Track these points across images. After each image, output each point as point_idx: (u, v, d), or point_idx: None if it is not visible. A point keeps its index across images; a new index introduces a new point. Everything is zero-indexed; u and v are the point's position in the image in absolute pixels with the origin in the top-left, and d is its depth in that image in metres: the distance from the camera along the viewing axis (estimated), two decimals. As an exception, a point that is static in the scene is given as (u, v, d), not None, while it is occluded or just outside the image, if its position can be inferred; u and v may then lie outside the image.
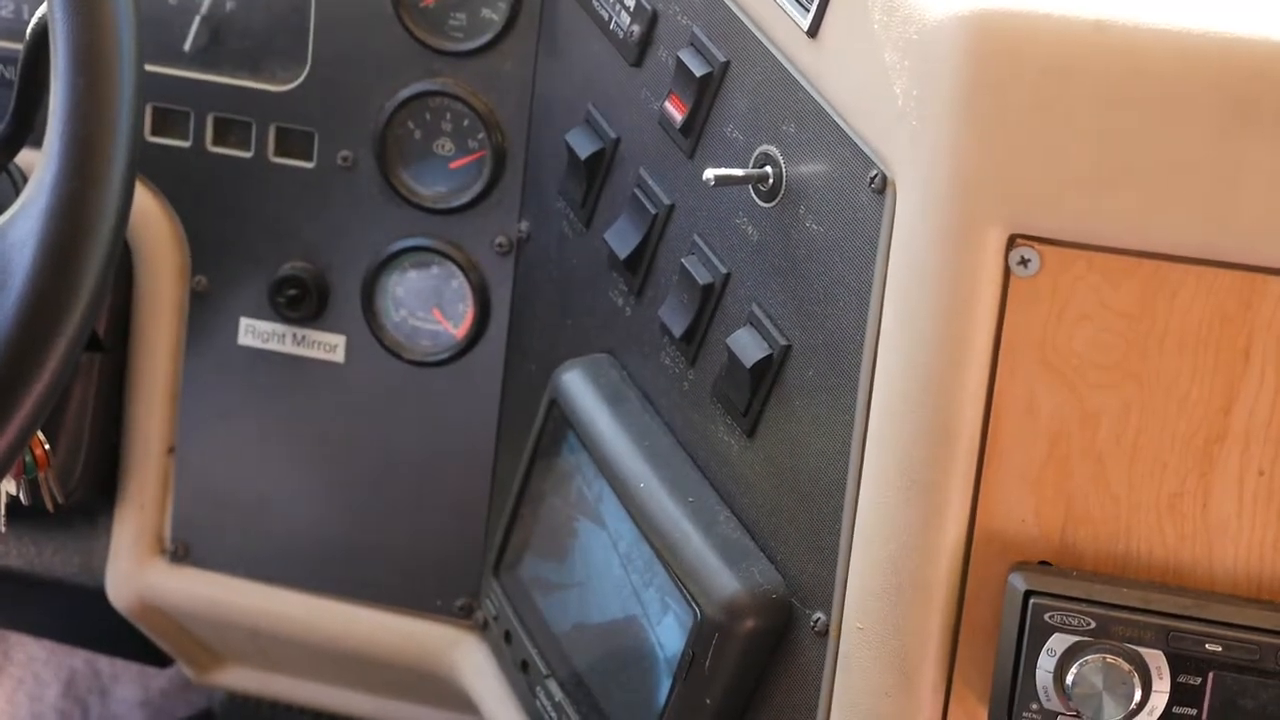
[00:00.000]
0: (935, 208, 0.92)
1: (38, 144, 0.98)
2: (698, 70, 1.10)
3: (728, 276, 1.08)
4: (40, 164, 0.95)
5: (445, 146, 1.34)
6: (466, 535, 1.36)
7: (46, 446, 1.10)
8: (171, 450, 1.42)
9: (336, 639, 1.42)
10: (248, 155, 1.36)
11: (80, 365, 1.38)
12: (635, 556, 1.11)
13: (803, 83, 1.02)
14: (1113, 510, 0.93)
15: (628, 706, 1.10)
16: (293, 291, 1.36)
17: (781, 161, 1.03)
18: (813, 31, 1.01)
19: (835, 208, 0.99)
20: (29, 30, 1.07)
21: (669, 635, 1.07)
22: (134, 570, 1.44)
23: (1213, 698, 0.91)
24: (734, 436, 1.07)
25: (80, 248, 0.93)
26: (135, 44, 0.95)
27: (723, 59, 1.08)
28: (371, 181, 1.34)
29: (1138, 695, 0.91)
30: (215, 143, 1.36)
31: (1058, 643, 0.92)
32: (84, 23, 0.94)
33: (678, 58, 1.11)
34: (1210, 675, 0.91)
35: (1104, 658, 0.91)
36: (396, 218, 1.35)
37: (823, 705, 1.00)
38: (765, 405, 1.04)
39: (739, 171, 1.04)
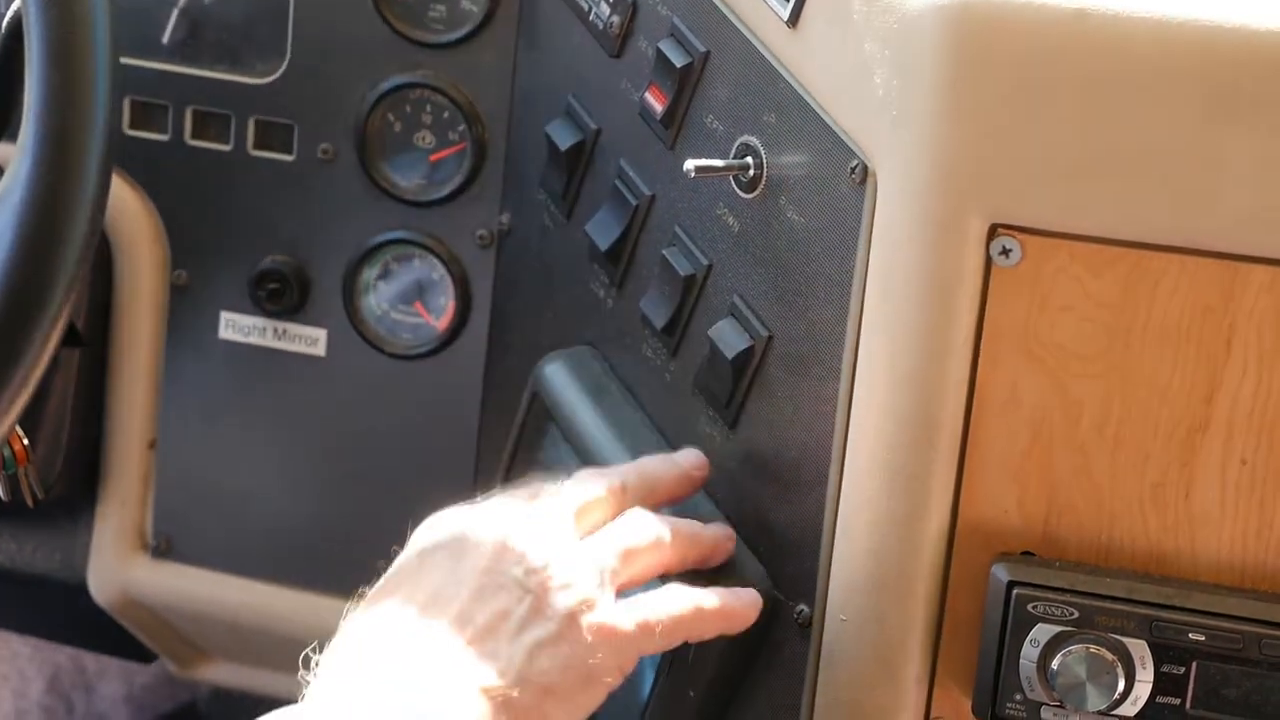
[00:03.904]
0: (916, 198, 0.92)
1: (13, 138, 0.97)
2: (678, 61, 1.09)
3: (709, 268, 1.08)
4: (15, 158, 0.95)
5: (426, 139, 1.33)
6: (449, 529, 1.36)
7: (26, 442, 1.10)
8: (153, 445, 1.41)
9: (320, 633, 1.42)
10: (227, 148, 1.35)
11: (60, 360, 1.37)
12: (618, 549, 1.11)
13: (783, 73, 1.01)
14: (1095, 500, 0.93)
15: (611, 701, 1.10)
16: (273, 285, 1.36)
17: (762, 152, 1.03)
18: (793, 21, 1.00)
19: (816, 198, 0.98)
20: (3, 23, 1.07)
21: (652, 628, 1.07)
22: (116, 565, 1.43)
23: (1196, 687, 0.91)
24: (716, 428, 1.07)
25: (56, 241, 0.93)
26: (111, 37, 0.95)
27: (703, 49, 1.08)
28: (352, 174, 1.34)
29: (1121, 685, 0.91)
30: (194, 136, 1.36)
31: (1041, 633, 0.92)
32: (59, 16, 0.94)
33: (658, 48, 1.11)
34: (1194, 664, 0.91)
35: (1087, 648, 0.91)
36: (377, 211, 1.34)
37: (806, 697, 1.00)
38: (747, 397, 1.04)
39: (720, 162, 1.04)
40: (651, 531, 0.97)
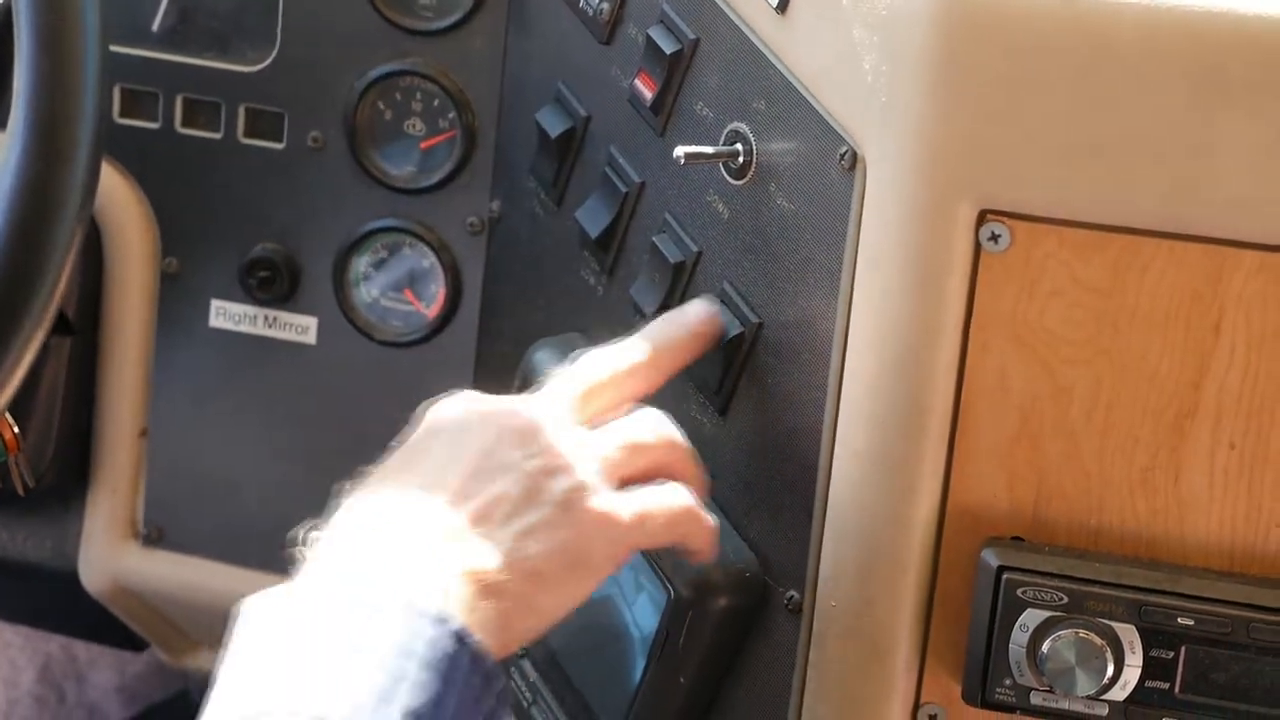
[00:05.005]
0: (905, 184, 0.92)
1: (2, 125, 0.97)
2: (667, 48, 1.09)
3: (699, 254, 1.08)
4: (5, 146, 0.95)
5: (416, 126, 1.33)
6: (440, 516, 1.36)
7: (16, 430, 1.10)
8: (144, 433, 1.41)
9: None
10: (217, 136, 1.35)
11: (50, 348, 1.37)
12: (609, 536, 1.11)
13: (772, 59, 1.01)
14: (1084, 485, 0.93)
15: (602, 685, 1.10)
16: (264, 273, 1.36)
17: (752, 139, 1.03)
18: (782, 8, 1.00)
19: (806, 185, 0.99)
20: (-6, 11, 1.07)
21: (643, 614, 1.07)
22: (107, 554, 1.43)
23: (1185, 671, 0.91)
24: (706, 415, 1.07)
25: (45, 229, 0.93)
26: (100, 23, 0.95)
27: (692, 36, 1.08)
28: (342, 162, 1.34)
29: (1110, 670, 0.91)
30: (184, 124, 1.36)
31: (1030, 618, 0.92)
32: (48, 3, 0.94)
33: (647, 35, 1.11)
34: (1183, 649, 0.91)
35: (1076, 632, 0.91)
36: (367, 198, 1.34)
37: (796, 682, 1.00)
38: (737, 383, 1.04)
39: (709, 149, 1.04)
40: (663, 431, 0.96)
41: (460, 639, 0.83)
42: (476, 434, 0.91)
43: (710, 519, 0.96)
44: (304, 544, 0.89)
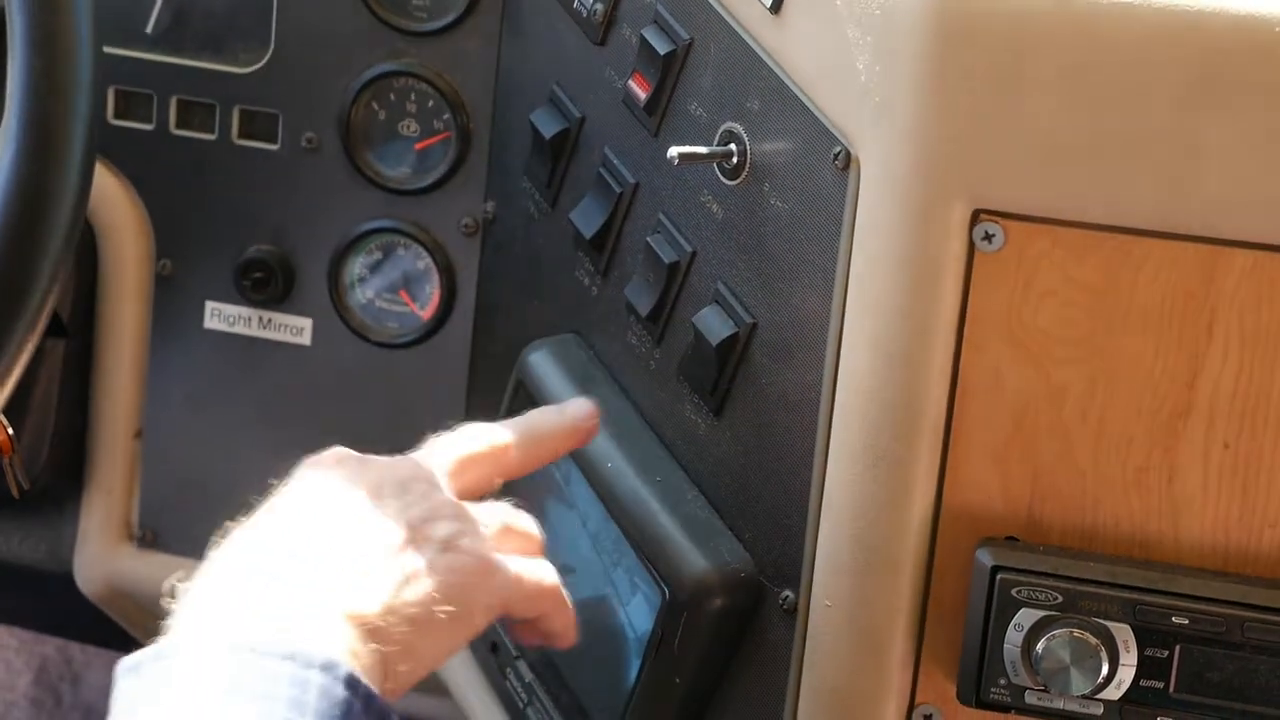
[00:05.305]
0: (899, 184, 0.92)
1: (-4, 126, 0.98)
2: (661, 48, 1.09)
3: (693, 255, 1.08)
4: (-2, 146, 0.95)
5: (410, 127, 1.33)
6: (436, 517, 1.36)
7: (10, 432, 1.10)
8: (138, 435, 1.41)
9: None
10: (212, 138, 1.35)
11: (45, 350, 1.37)
12: (604, 536, 1.11)
13: (766, 60, 1.01)
14: (1079, 485, 0.93)
15: (597, 686, 1.10)
16: (258, 274, 1.36)
17: (746, 139, 1.03)
18: (776, 8, 1.00)
19: (800, 185, 0.99)
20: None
21: (638, 615, 1.07)
22: (102, 556, 1.43)
23: (1179, 670, 0.91)
24: (701, 415, 1.07)
25: (39, 231, 0.93)
26: (93, 25, 0.95)
27: (686, 37, 1.08)
28: (337, 163, 1.34)
29: (1105, 669, 0.91)
30: (179, 125, 1.36)
31: (1025, 617, 0.92)
32: (41, 4, 0.94)
33: (641, 36, 1.11)
34: (1177, 648, 0.91)
35: (1071, 632, 0.91)
36: (362, 199, 1.34)
37: (792, 683, 1.00)
38: (732, 383, 1.04)
39: (703, 149, 1.04)
40: (536, 528, 0.98)
41: (351, 684, 0.81)
42: (357, 483, 0.91)
43: (570, 609, 0.97)
44: (172, 596, 0.86)
